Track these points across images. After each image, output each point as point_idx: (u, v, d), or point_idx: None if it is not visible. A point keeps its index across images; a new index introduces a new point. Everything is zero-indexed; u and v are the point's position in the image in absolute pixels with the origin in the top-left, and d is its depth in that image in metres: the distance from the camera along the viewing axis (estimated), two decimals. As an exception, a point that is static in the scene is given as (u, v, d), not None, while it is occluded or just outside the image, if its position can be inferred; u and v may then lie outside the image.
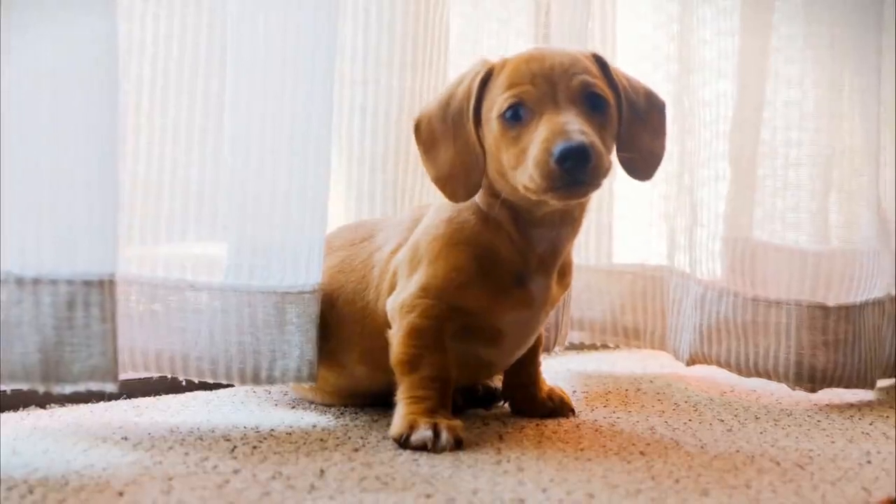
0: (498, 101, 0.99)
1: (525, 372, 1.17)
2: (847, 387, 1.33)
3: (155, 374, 1.08)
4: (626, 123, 1.03)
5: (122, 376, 1.16)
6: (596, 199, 1.53)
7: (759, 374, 1.35)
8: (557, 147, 0.92)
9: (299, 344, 1.07)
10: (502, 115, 0.98)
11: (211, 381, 1.08)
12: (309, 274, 1.08)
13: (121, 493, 0.80)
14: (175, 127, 1.08)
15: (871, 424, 1.18)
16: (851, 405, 1.30)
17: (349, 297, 1.11)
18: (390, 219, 1.19)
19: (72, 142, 0.92)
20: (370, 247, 1.13)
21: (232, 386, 1.23)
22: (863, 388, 1.35)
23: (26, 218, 0.91)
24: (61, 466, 0.88)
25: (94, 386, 0.92)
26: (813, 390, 1.33)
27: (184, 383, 1.15)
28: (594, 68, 1.02)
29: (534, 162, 0.94)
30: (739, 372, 1.37)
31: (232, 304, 1.06)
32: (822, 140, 1.38)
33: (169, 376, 1.08)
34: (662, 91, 1.48)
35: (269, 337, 1.07)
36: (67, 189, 0.92)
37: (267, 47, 1.05)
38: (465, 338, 1.05)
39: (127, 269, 1.05)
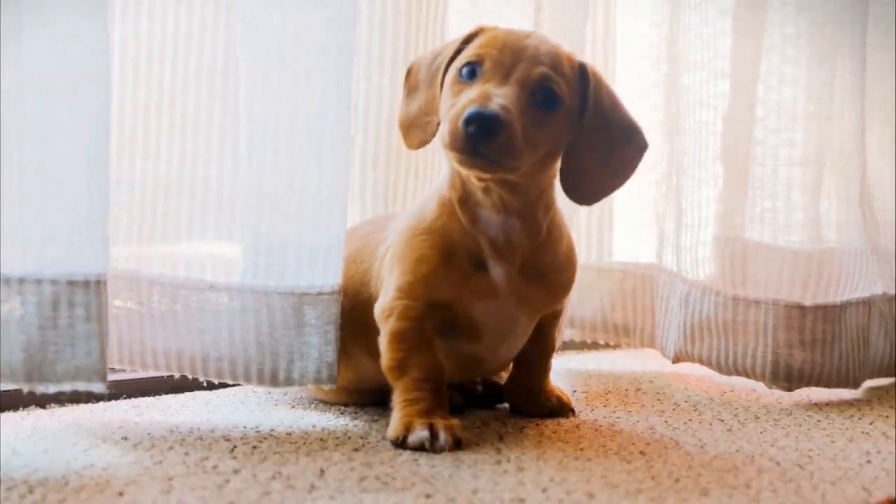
0: (462, 56, 1.01)
1: (531, 373, 1.16)
2: (827, 386, 1.33)
3: (177, 374, 1.08)
4: (582, 140, 1.02)
5: (127, 376, 1.17)
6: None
7: (738, 373, 1.35)
8: (469, 109, 0.93)
9: (317, 346, 1.07)
10: (459, 69, 1.00)
11: (230, 381, 1.08)
12: (327, 274, 1.07)
13: (121, 493, 0.80)
14: (195, 126, 1.08)
15: (871, 424, 1.18)
16: (851, 405, 1.30)
17: (357, 288, 1.11)
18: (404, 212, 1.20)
19: (59, 142, 0.91)
20: (379, 238, 1.13)
21: (233, 385, 1.23)
22: (845, 387, 1.34)
23: (12, 218, 0.90)
24: (61, 466, 0.88)
25: (81, 386, 0.92)
26: (789, 389, 1.32)
27: (204, 383, 1.14)
28: (568, 71, 1.01)
29: (449, 117, 0.95)
30: (720, 370, 1.37)
31: (250, 305, 1.06)
32: (806, 140, 1.38)
33: (190, 376, 1.08)
34: (660, 91, 1.50)
35: (287, 339, 1.07)
36: (55, 190, 0.91)
37: (281, 45, 1.05)
38: (447, 334, 1.05)
39: (149, 269, 1.05)
